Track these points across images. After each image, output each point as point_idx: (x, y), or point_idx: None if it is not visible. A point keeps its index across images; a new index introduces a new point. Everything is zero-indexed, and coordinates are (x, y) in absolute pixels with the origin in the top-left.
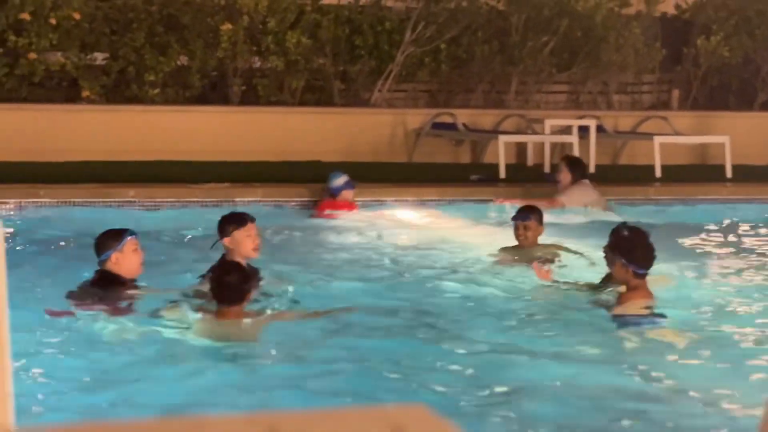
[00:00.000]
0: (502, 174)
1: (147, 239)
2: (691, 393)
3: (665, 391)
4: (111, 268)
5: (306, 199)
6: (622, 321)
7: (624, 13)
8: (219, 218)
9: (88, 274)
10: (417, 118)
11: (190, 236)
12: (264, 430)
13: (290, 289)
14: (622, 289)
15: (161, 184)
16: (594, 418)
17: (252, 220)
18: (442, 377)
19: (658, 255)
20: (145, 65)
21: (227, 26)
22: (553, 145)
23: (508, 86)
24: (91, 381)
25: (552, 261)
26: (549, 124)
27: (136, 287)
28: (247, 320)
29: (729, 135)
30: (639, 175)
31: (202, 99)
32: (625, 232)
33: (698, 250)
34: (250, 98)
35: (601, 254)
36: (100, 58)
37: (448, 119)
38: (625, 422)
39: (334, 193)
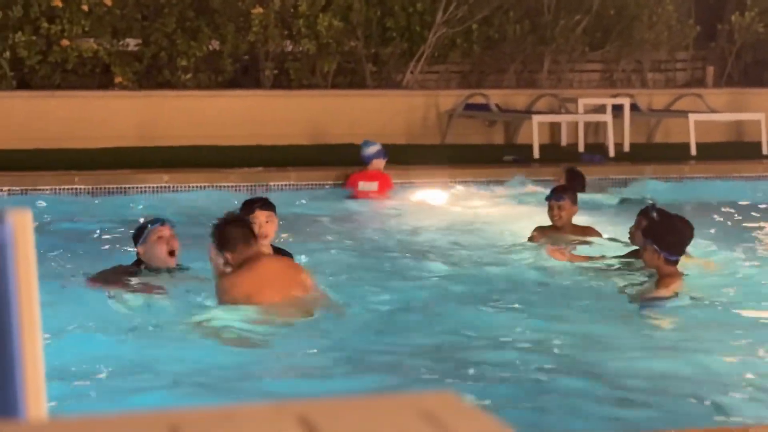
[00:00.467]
0: (536, 154)
1: (182, 225)
2: (730, 377)
3: (705, 374)
4: (143, 259)
5: (340, 182)
6: (655, 305)
7: None
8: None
9: (124, 259)
10: (449, 99)
11: None
12: (293, 418)
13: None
14: (652, 271)
15: (195, 169)
16: (627, 404)
17: (166, 223)
18: (473, 361)
19: (696, 234)
20: (177, 50)
21: (258, 10)
22: (587, 125)
23: (540, 66)
24: (115, 364)
25: (587, 243)
26: (582, 103)
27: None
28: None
29: (764, 112)
30: (674, 154)
31: (234, 83)
32: (654, 214)
33: (735, 229)
34: (282, 82)
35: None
36: (132, 44)
37: (480, 100)
38: (672, 407)
39: (365, 161)
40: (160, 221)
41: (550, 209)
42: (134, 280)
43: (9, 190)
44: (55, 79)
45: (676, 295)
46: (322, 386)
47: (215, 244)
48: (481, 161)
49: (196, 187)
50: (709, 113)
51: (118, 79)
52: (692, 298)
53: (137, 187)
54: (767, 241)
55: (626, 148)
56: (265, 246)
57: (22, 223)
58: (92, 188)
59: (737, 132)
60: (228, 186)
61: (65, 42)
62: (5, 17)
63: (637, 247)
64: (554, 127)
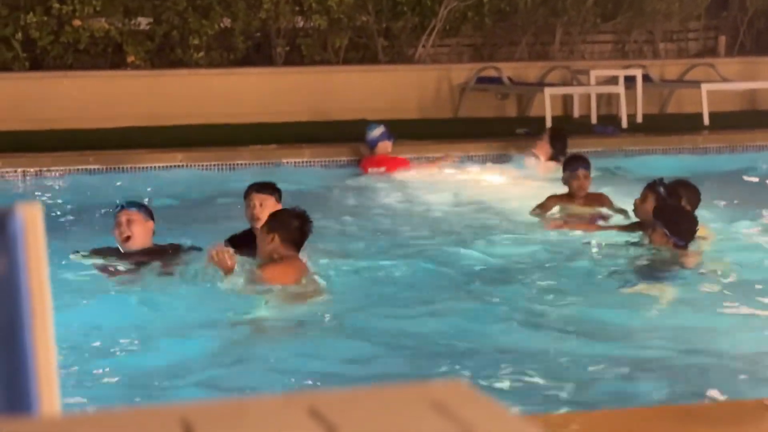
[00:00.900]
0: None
1: (195, 203)
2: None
3: (709, 348)
4: None
5: (354, 157)
6: (659, 279)
7: None
8: None
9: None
10: (461, 73)
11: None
12: (304, 410)
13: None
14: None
15: (208, 148)
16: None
17: (123, 207)
18: (481, 348)
19: (707, 204)
20: (189, 29)
21: None
22: (599, 96)
23: (552, 38)
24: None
25: (604, 218)
26: (594, 75)
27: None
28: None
29: None
30: (687, 124)
31: (246, 61)
32: (661, 189)
33: (749, 199)
34: (294, 58)
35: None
36: (143, 23)
37: (492, 73)
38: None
39: (371, 146)
40: (120, 206)
41: (576, 179)
42: (116, 261)
43: (24, 171)
44: (68, 59)
45: (682, 269)
46: (329, 374)
47: (279, 232)
48: (494, 134)
49: (210, 165)
50: (722, 83)
51: (130, 59)
52: (700, 273)
53: (151, 167)
54: None
55: (639, 119)
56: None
57: (33, 217)
58: (107, 168)
59: (750, 101)
60: (242, 164)
61: (77, 22)
62: None
63: (639, 220)
64: (567, 99)
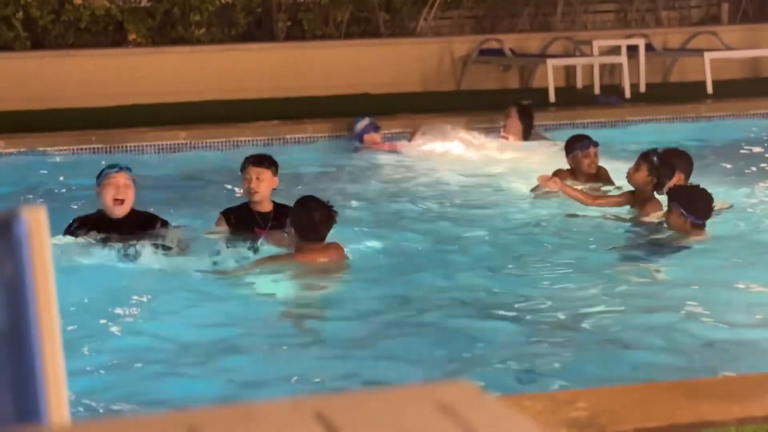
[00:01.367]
0: (552, 98)
1: (198, 180)
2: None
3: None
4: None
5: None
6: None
7: None
8: None
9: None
10: (464, 45)
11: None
12: (311, 414)
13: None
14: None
15: (211, 125)
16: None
17: (121, 169)
18: (489, 342)
19: (711, 173)
20: (190, 5)
21: None
22: (602, 66)
23: (554, 8)
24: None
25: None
26: (597, 45)
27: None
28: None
29: None
30: (690, 93)
31: (247, 36)
32: (655, 158)
33: (753, 167)
34: (296, 33)
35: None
36: (144, 0)
37: (495, 45)
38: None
39: (359, 139)
40: (117, 167)
41: (588, 156)
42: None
43: (27, 150)
44: (69, 38)
45: (688, 242)
46: (336, 373)
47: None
48: (497, 107)
49: (214, 142)
50: (725, 50)
51: (131, 37)
52: (705, 246)
53: (154, 145)
54: None
55: (642, 88)
56: (259, 203)
57: (37, 219)
58: (109, 147)
59: (753, 68)
60: (245, 140)
61: (77, 0)
62: None
63: (632, 189)
64: (569, 70)
